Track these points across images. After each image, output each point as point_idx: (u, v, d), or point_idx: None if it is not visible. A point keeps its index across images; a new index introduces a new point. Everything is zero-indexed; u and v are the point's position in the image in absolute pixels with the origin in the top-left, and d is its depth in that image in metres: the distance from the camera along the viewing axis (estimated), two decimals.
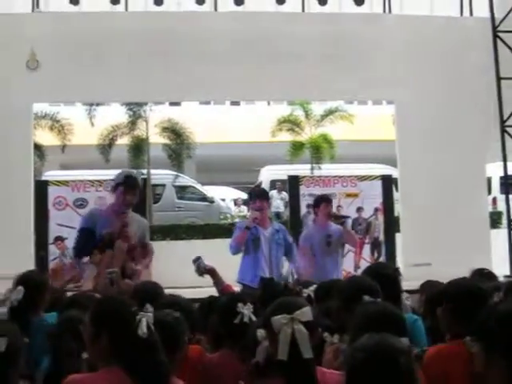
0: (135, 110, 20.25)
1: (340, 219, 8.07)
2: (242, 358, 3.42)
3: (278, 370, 2.76)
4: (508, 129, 10.55)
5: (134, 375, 2.73)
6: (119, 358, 2.77)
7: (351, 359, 2.18)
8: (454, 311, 3.39)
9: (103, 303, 3.11)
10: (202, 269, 5.48)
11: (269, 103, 25.69)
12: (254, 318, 3.59)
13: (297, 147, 22.58)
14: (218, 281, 5.35)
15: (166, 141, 20.61)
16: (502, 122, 10.55)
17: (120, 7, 10.91)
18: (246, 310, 3.62)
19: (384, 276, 3.82)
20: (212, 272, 5.44)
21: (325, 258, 7.83)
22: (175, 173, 20.30)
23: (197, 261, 5.55)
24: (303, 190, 12.72)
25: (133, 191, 6.10)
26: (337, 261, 7.99)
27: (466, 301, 3.34)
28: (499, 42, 10.66)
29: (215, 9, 11.10)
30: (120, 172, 6.40)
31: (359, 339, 2.27)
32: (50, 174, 17.76)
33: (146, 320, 2.80)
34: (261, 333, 2.98)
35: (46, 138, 19.87)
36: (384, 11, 11.69)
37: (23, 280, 4.28)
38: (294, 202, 12.80)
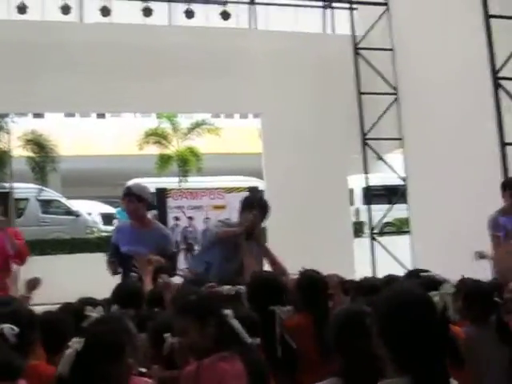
0: None
1: None
2: None
3: None
4: (368, 141, 10.96)
5: None
6: None
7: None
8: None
9: None
10: None
11: (135, 116, 25.49)
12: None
13: (164, 160, 22.53)
14: None
15: (30, 153, 20.02)
16: (363, 135, 10.96)
17: None
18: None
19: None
20: None
21: None
22: (39, 186, 19.73)
23: None
24: (171, 202, 12.71)
25: (126, 199, 6.17)
26: None
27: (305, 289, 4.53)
28: (359, 59, 11.10)
29: (81, 20, 10.91)
30: None
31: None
32: None
33: None
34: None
35: None
36: (250, 26, 11.89)
37: None
38: (161, 215, 12.76)
